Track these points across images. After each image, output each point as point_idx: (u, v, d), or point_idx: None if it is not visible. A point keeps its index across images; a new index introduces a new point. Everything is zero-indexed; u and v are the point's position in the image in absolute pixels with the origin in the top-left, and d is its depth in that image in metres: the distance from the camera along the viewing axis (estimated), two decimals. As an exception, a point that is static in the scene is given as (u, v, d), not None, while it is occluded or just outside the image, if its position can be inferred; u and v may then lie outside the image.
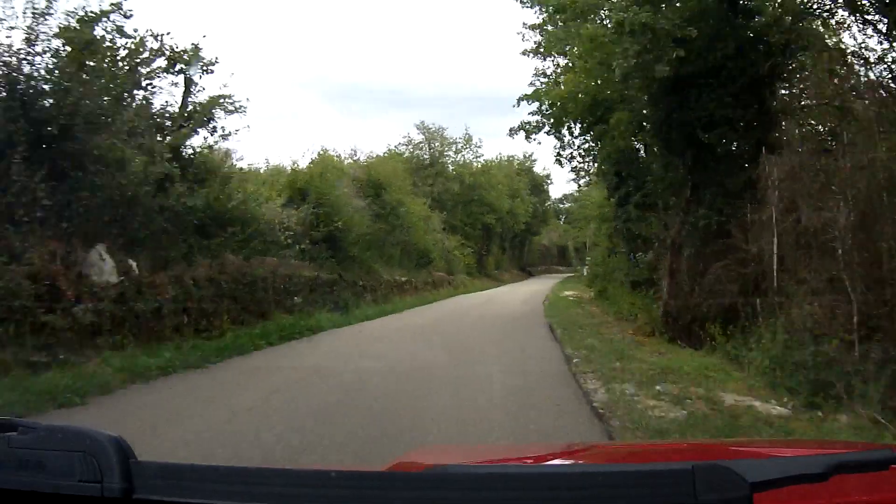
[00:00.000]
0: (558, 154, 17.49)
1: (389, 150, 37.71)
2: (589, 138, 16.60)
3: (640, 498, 0.89)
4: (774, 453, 1.69)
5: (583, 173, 18.56)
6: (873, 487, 1.12)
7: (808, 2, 9.63)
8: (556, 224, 65.39)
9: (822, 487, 0.98)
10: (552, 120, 16.35)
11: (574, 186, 73.56)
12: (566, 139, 16.98)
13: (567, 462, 1.61)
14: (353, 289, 14.85)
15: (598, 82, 13.01)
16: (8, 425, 0.95)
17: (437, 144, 42.58)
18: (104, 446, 0.89)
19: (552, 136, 17.32)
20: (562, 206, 67.99)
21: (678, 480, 0.88)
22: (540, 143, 17.16)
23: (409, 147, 41.63)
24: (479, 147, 45.83)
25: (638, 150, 15.33)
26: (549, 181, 60.69)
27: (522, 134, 16.97)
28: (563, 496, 0.91)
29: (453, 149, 43.26)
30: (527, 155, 56.26)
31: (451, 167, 42.33)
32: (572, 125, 16.48)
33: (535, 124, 16.94)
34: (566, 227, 65.71)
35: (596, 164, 17.68)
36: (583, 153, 17.33)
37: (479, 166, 43.20)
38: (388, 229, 22.06)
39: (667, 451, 1.93)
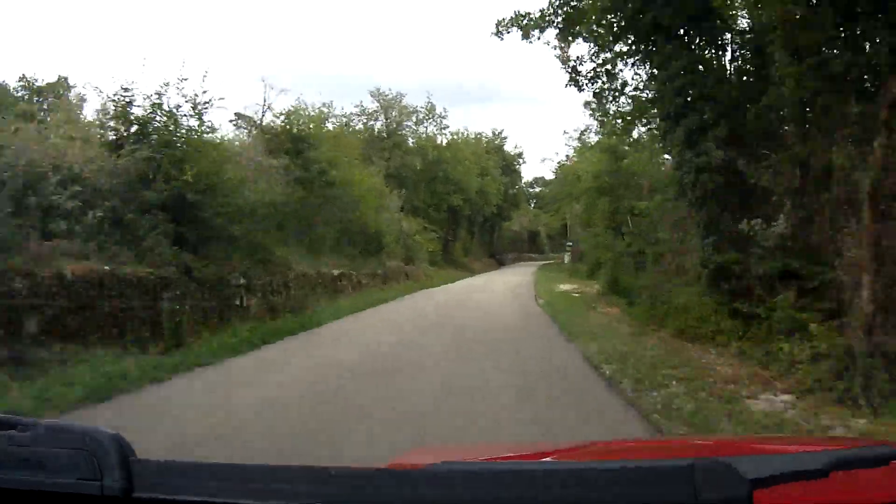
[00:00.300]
0: (573, 71, 12.20)
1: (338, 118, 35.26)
2: (625, 47, 11.50)
3: (639, 495, 0.91)
4: (775, 450, 1.69)
5: (610, 98, 12.74)
6: (874, 483, 1.15)
7: None
8: (526, 209, 69.38)
9: (823, 484, 1.01)
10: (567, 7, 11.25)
11: (550, 167, 79.15)
12: (589, 49, 11.87)
13: (566, 459, 1.62)
14: (218, 294, 7.41)
15: None
16: (7, 423, 0.98)
17: (394, 114, 39.22)
18: (104, 444, 0.91)
19: (561, 41, 11.80)
20: (532, 189, 71.74)
21: (678, 477, 0.89)
22: (548, 43, 10.44)
23: (363, 117, 38.58)
24: (444, 118, 44.39)
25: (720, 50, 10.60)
26: (521, 160, 61.40)
27: (516, 34, 11.78)
28: (563, 493, 0.92)
29: (413, 119, 40.92)
30: (496, 132, 56.07)
31: (411, 140, 40.32)
32: (595, 28, 11.34)
33: (536, 19, 11.66)
34: (536, 211, 69.74)
35: (635, 82, 12.41)
36: (610, 70, 12.04)
37: (445, 142, 41.93)
38: (316, 202, 17.06)
39: (666, 448, 2.09)
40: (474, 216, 46.94)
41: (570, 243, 43.99)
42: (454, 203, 39.42)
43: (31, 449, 0.93)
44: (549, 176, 64.38)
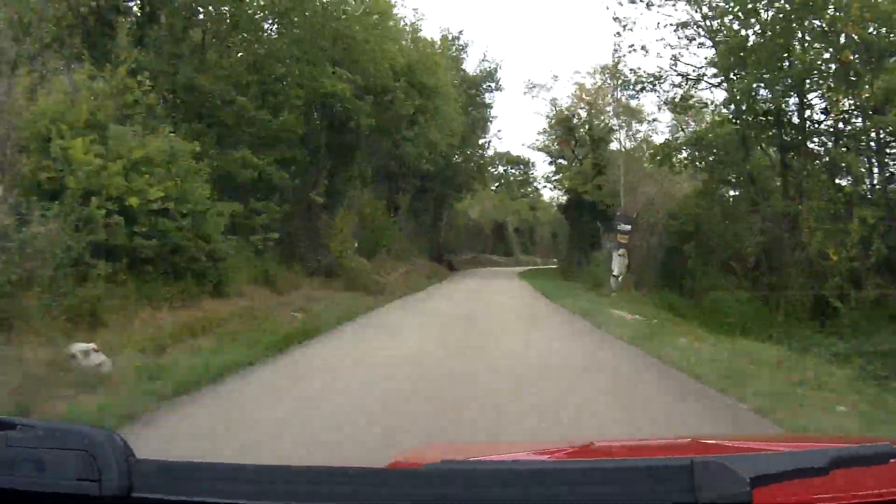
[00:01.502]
0: None
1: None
2: None
3: (638, 494, 0.97)
4: (774, 448, 1.80)
5: None
6: (873, 481, 1.21)
7: None
8: (489, 193, 51.08)
9: (823, 482, 1.08)
10: None
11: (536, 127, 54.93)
12: None
13: (565, 458, 1.69)
14: None
15: None
16: (7, 424, 1.03)
17: None
18: (103, 444, 0.97)
19: None
20: (494, 170, 52.26)
21: (677, 476, 0.95)
22: None
23: None
24: None
25: None
26: (495, 84, 37.44)
27: None
28: (563, 492, 0.98)
29: None
30: (448, 35, 33.36)
31: None
32: None
33: None
34: (502, 195, 53.69)
35: None
36: None
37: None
38: None
39: (666, 447, 2.13)
40: (396, 159, 24.43)
41: (626, 226, 20.31)
42: (335, 92, 16.27)
43: (30, 449, 0.99)
44: (520, 149, 54.78)
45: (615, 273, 19.97)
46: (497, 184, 53.37)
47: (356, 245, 20.57)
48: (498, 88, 38.75)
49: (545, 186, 43.90)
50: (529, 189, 53.75)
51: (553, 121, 34.74)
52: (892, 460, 1.13)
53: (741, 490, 0.92)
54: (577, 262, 30.01)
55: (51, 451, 0.98)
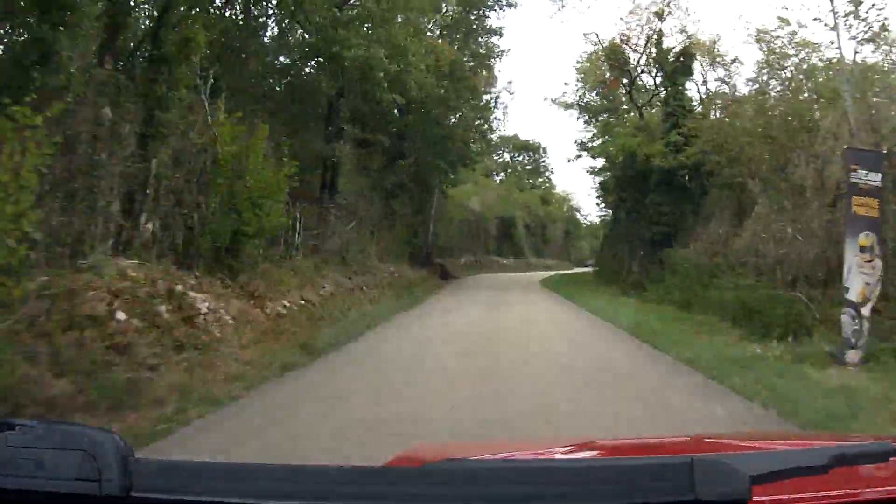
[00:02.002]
0: None
1: None
2: None
3: (637, 492, 0.98)
4: (774, 446, 1.83)
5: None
6: (873, 479, 1.23)
7: None
8: (491, 181, 44.19)
9: (823, 480, 1.08)
10: None
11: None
12: None
13: (565, 456, 1.71)
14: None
15: None
16: (6, 424, 1.05)
17: None
18: (103, 444, 0.99)
19: None
20: (499, 157, 46.20)
21: (677, 474, 0.97)
22: None
23: None
24: None
25: None
26: (494, 33, 27.63)
27: None
28: (563, 490, 0.99)
29: None
30: None
31: None
32: None
33: None
34: (508, 184, 45.91)
35: None
36: None
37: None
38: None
39: (666, 445, 2.16)
40: (327, 71, 15.76)
41: (873, 176, 8.04)
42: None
43: (30, 449, 1.01)
44: (530, 131, 42.71)
45: (854, 299, 8.40)
46: (503, 172, 46.42)
47: (149, 227, 9.06)
48: (510, 4, 26.75)
49: (579, 156, 29.59)
50: (541, 179, 48.63)
51: (592, 58, 24.97)
52: (892, 458, 1.14)
53: (741, 488, 0.94)
54: (627, 267, 21.69)
55: (50, 451, 1.00)
